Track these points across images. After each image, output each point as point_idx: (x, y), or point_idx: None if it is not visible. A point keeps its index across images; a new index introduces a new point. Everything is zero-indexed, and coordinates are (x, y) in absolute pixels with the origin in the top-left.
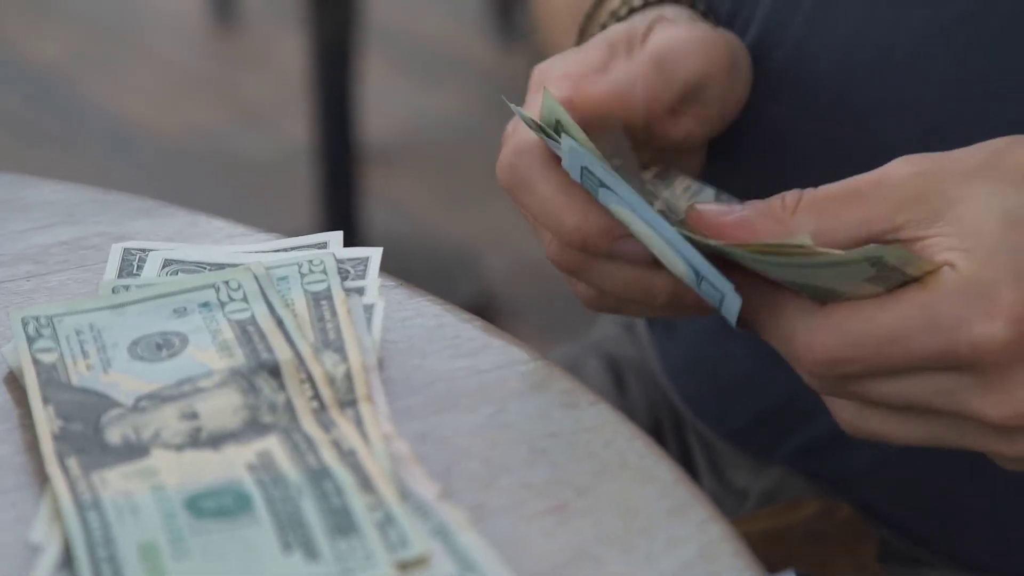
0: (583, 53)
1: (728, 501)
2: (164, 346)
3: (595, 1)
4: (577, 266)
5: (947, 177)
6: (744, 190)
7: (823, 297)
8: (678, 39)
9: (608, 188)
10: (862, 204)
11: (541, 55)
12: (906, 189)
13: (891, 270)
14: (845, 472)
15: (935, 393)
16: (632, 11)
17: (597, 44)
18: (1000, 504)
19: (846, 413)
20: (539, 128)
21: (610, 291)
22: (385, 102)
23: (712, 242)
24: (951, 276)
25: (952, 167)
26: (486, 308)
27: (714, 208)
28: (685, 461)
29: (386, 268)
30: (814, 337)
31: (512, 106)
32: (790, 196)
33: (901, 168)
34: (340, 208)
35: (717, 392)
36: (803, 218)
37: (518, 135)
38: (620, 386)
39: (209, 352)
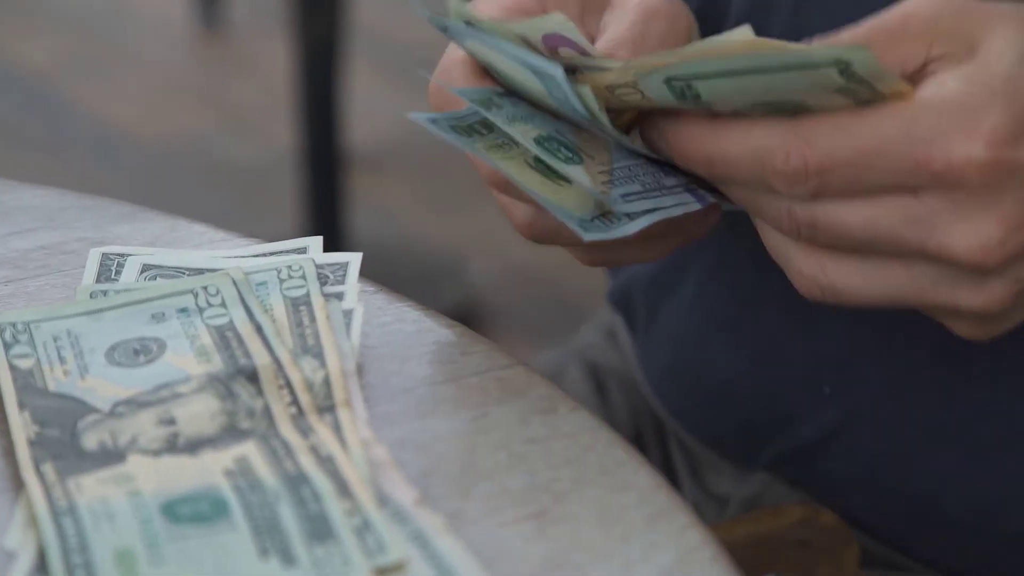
0: None
1: (709, 508)
2: (142, 352)
3: None
4: (539, 223)
5: (976, 12)
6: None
7: (791, 113)
8: (644, 35)
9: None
10: (892, 43)
11: None
12: (938, 23)
13: (860, 83)
14: (826, 480)
15: (904, 221)
16: None
17: None
18: (980, 511)
19: (807, 268)
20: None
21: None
22: (371, 107)
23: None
24: (937, 91)
25: (980, 6)
26: (471, 314)
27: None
28: (666, 469)
29: (371, 273)
30: (791, 146)
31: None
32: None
33: (919, 18)
34: (325, 213)
35: (698, 398)
36: None
37: (444, 57)
38: (602, 394)
39: (187, 357)
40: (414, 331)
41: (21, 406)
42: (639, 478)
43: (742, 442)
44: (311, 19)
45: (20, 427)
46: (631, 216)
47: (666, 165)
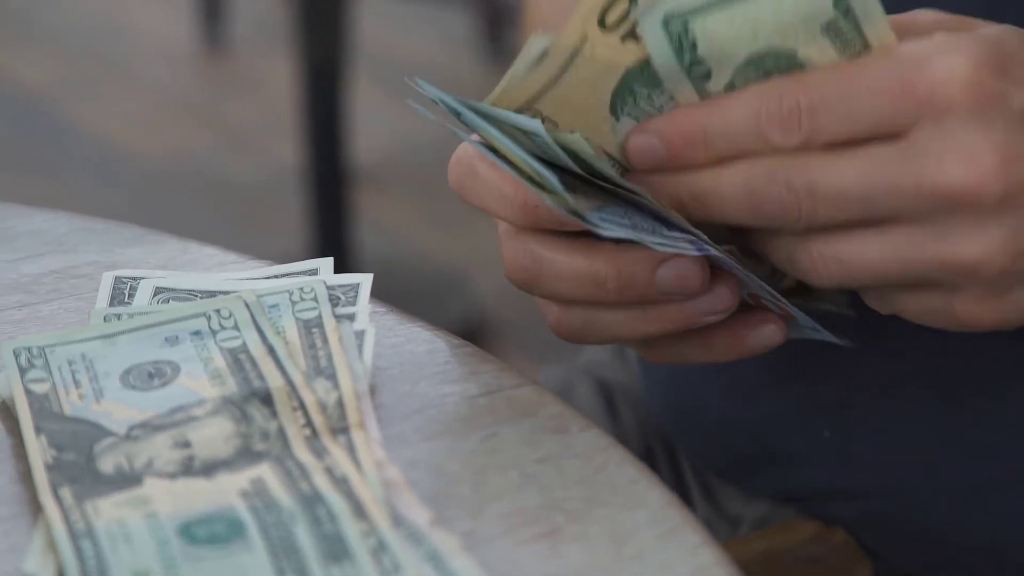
0: None
1: (722, 527)
2: (156, 375)
3: None
4: (533, 268)
5: (974, 22)
6: None
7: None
8: None
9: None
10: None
11: None
12: (936, 26)
13: (851, 21)
14: (831, 515)
15: (897, 166)
16: None
17: None
18: (987, 545)
19: (815, 250)
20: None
21: (563, 293)
22: (374, 125)
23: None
24: (928, 39)
25: (978, 22)
26: (475, 330)
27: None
28: (679, 486)
29: (375, 291)
30: (784, 89)
31: (419, 86)
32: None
33: (927, 14)
34: (329, 231)
35: (697, 432)
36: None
37: (459, 151)
38: (611, 410)
39: (201, 380)
40: (425, 351)
41: (38, 430)
42: (651, 496)
43: (742, 475)
44: (314, 37)
45: (37, 451)
46: (604, 226)
47: (671, 222)
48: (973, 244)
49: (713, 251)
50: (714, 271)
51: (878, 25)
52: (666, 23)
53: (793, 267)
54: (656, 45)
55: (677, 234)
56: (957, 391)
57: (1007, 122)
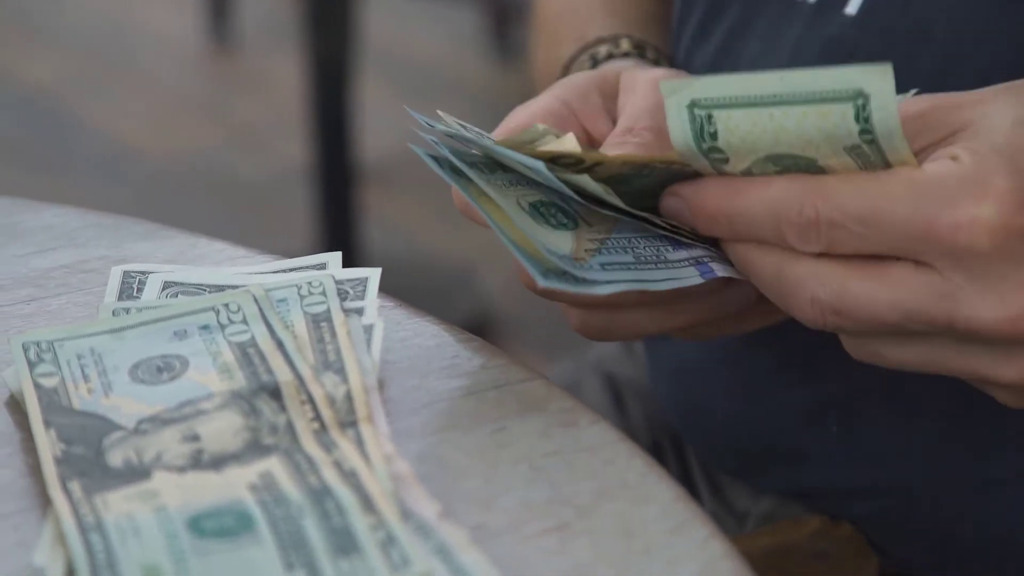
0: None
1: (729, 522)
2: (165, 369)
3: (566, 64)
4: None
5: (963, 102)
6: None
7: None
8: (659, 104)
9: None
10: None
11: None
12: (923, 119)
13: (871, 141)
14: (838, 510)
15: (927, 295)
16: (596, 64)
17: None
18: (995, 540)
19: (848, 341)
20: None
21: (586, 303)
22: (381, 122)
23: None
24: (949, 165)
25: (967, 96)
26: (483, 326)
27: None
28: (686, 482)
29: (383, 287)
30: (805, 198)
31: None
32: None
33: (914, 104)
34: (337, 228)
35: (703, 428)
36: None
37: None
38: (619, 405)
39: (210, 374)
40: (433, 345)
41: (47, 424)
42: (660, 490)
43: (749, 472)
44: (321, 35)
45: (46, 445)
46: (602, 281)
47: (680, 241)
48: (1008, 369)
49: (720, 272)
50: None
51: (902, 154)
52: (691, 108)
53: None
54: (677, 127)
55: (683, 254)
56: (964, 389)
57: None
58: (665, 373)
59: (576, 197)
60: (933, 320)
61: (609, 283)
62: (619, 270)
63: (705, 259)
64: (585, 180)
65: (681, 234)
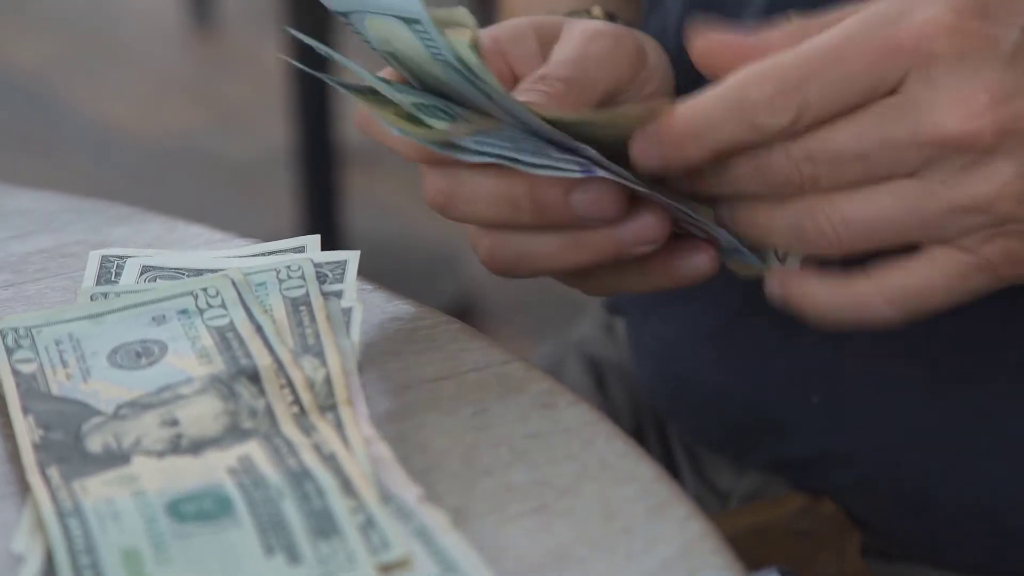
0: None
1: (711, 502)
2: (143, 354)
3: None
4: (447, 190)
5: None
6: None
7: None
8: (584, 56)
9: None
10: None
11: None
12: None
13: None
14: (821, 483)
15: (891, 120)
16: None
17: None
18: (977, 510)
19: (822, 214)
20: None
21: (479, 215)
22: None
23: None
24: None
25: None
26: (468, 309)
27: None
28: (667, 462)
29: (366, 269)
30: (761, 78)
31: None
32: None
33: None
34: (320, 210)
35: (688, 404)
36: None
37: None
38: (601, 387)
39: (188, 359)
40: (412, 328)
41: (25, 410)
42: (640, 470)
43: (734, 446)
44: (303, 15)
45: (25, 431)
46: (472, 150)
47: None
48: (986, 182)
49: (602, 173)
50: (643, 201)
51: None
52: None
53: (800, 239)
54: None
55: (568, 156)
56: (948, 356)
57: (995, 62)
58: (648, 351)
59: (453, 60)
60: (897, 140)
61: (479, 153)
62: (492, 147)
63: (585, 163)
64: (461, 44)
65: (565, 140)
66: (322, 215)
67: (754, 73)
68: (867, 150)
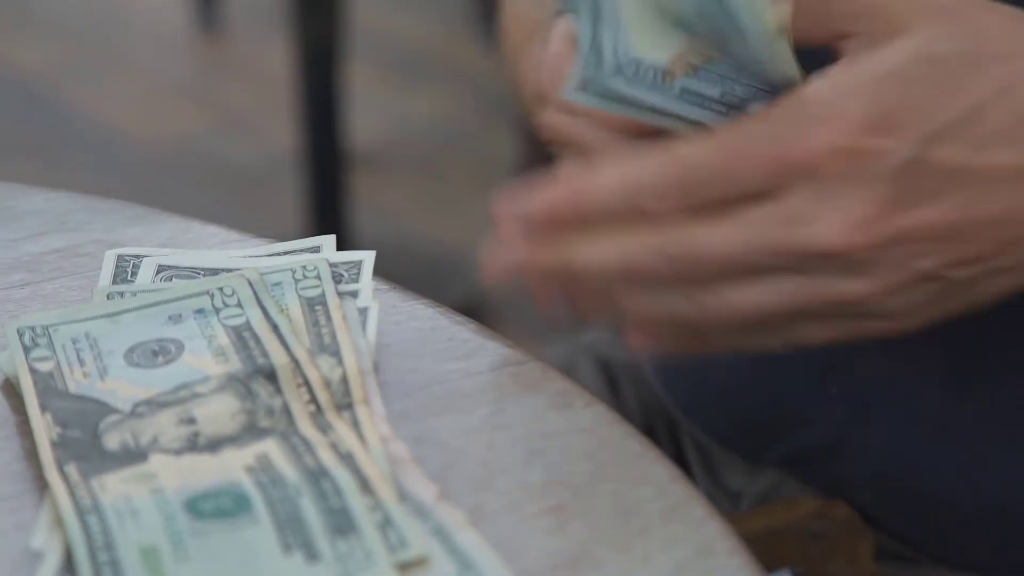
0: None
1: (723, 502)
2: (160, 353)
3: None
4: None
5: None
6: None
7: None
8: None
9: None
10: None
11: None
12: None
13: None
14: (836, 478)
15: (774, 226)
16: None
17: None
18: (990, 507)
19: (708, 303)
20: None
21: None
22: (370, 107)
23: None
24: (808, 89)
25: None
26: (475, 310)
27: None
28: (680, 463)
29: (374, 272)
30: (659, 175)
31: None
32: None
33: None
34: (327, 213)
35: (704, 398)
36: None
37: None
38: (613, 388)
39: (205, 358)
40: (428, 328)
41: (43, 408)
42: (656, 471)
43: (750, 440)
44: (310, 19)
45: (43, 429)
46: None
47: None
48: (854, 286)
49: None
50: None
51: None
52: None
53: (675, 320)
54: None
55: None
56: (966, 350)
57: (882, 176)
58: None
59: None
60: (780, 247)
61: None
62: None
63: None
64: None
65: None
66: (328, 218)
67: (649, 165)
68: (751, 257)
